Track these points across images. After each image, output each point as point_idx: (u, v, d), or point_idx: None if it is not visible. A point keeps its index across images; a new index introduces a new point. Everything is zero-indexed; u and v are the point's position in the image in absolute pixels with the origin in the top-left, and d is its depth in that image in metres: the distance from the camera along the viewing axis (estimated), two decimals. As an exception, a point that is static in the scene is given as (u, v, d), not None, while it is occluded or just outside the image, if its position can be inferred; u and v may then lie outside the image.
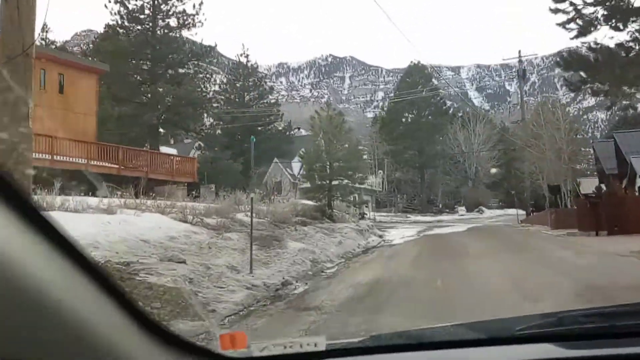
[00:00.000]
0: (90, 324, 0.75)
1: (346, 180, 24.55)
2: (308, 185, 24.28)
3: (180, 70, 34.48)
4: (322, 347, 1.18)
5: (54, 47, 46.96)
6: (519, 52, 38.49)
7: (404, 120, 56.62)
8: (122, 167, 23.55)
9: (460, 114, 64.66)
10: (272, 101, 57.76)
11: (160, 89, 32.79)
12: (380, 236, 23.48)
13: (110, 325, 0.81)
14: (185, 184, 25.86)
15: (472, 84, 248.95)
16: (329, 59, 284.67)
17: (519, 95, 38.95)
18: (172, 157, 26.31)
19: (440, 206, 56.89)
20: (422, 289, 8.86)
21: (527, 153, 32.83)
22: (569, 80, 19.28)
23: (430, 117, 56.21)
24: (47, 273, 0.68)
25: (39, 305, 0.66)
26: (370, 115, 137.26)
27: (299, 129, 63.59)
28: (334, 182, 24.26)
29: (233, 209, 16.60)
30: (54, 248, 0.70)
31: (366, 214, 41.49)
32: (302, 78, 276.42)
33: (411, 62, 56.59)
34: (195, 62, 35.76)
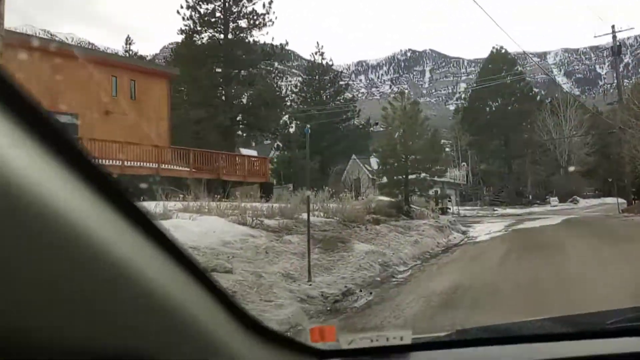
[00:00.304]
0: (193, 317, 0.76)
1: (424, 174, 22.79)
2: (385, 180, 22.68)
3: (253, 71, 33.86)
4: (408, 341, 1.17)
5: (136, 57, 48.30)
6: (612, 27, 34.83)
7: (487, 109, 53.47)
8: (194, 170, 23.08)
9: (548, 100, 60.49)
10: (349, 97, 56.34)
11: (233, 91, 32.31)
12: (464, 232, 21.51)
13: (212, 320, 0.82)
14: (259, 185, 25.10)
15: (560, 70, 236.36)
16: (408, 54, 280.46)
17: (615, 74, 35.20)
18: (244, 158, 25.61)
19: (530, 197, 53.19)
20: (510, 302, 7.16)
21: (627, 135, 29.44)
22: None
23: (515, 104, 52.59)
24: (153, 268, 0.68)
25: (146, 295, 0.67)
26: (452, 107, 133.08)
27: (377, 124, 61.72)
28: (411, 177, 22.57)
29: (299, 209, 15.39)
30: (156, 246, 0.69)
31: (449, 209, 39.25)
32: (382, 75, 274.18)
33: (493, 47, 53.42)
34: (268, 62, 35.09)
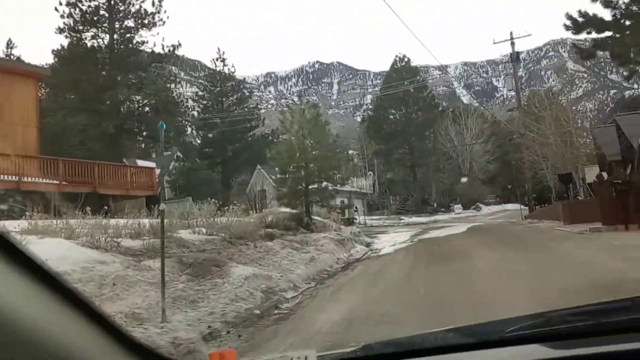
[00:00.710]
0: (68, 346, 0.74)
1: (325, 183, 21.08)
2: (285, 190, 20.74)
3: (142, 75, 30.91)
4: None
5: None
6: (511, 33, 35.22)
7: (392, 117, 53.20)
8: (65, 183, 20.01)
9: (450, 110, 61.53)
10: (252, 105, 54.23)
11: (121, 96, 29.25)
12: (368, 245, 20.02)
13: (93, 349, 0.79)
14: (144, 198, 22.37)
15: (460, 82, 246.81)
16: (316, 66, 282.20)
17: (514, 80, 35.57)
18: (127, 169, 22.73)
19: (435, 205, 53.43)
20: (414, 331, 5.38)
21: (528, 141, 29.46)
22: (580, 46, 15.91)
23: (419, 113, 52.70)
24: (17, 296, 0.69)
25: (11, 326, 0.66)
26: (359, 119, 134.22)
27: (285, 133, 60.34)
28: (312, 186, 20.80)
29: (176, 225, 13.08)
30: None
31: (356, 219, 38.02)
32: (290, 86, 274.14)
33: (396, 56, 53.31)
34: (159, 65, 32.25)
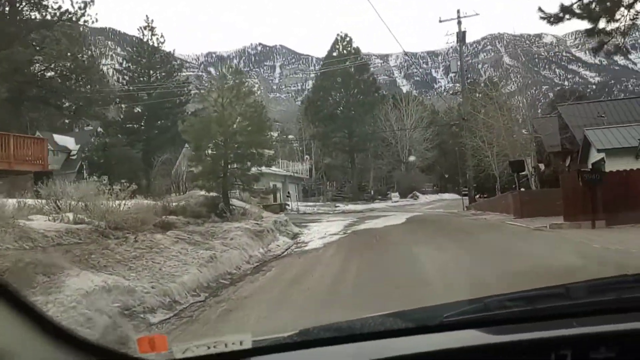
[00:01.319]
0: None
1: (249, 162, 17.96)
2: (199, 169, 17.47)
3: (46, 33, 26.53)
4: (248, 345, 1.13)
5: None
6: (458, 11, 33.03)
7: (331, 99, 50.29)
8: None
9: (392, 96, 59.50)
10: (183, 79, 50.05)
11: (15, 55, 24.84)
12: (295, 236, 17.12)
13: (16, 340, 0.80)
14: (32, 174, 18.54)
15: (400, 72, 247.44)
16: (259, 48, 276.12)
17: (458, 62, 33.42)
18: (10, 138, 18.70)
19: (373, 193, 51.21)
20: None
21: (472, 125, 27.33)
22: (547, 13, 13.43)
23: (360, 96, 50.00)
24: None
25: None
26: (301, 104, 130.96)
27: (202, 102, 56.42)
28: (233, 166, 17.66)
29: (26, 209, 9.70)
30: None
31: (288, 205, 35.13)
32: (232, 66, 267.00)
33: (338, 35, 50.31)
34: (69, 24, 27.89)
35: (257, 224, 14.25)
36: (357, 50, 50.10)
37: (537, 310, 1.24)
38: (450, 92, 47.84)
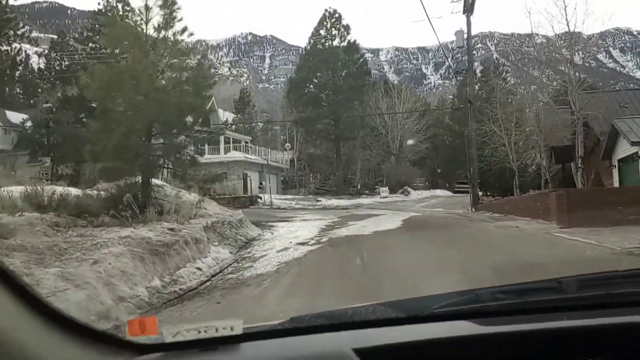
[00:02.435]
0: None
1: (183, 136, 12.33)
2: (104, 146, 11.72)
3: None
4: (238, 331, 1.10)
5: None
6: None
7: (316, 81, 44.51)
8: None
9: (384, 81, 53.99)
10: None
11: None
12: (245, 245, 11.62)
13: (11, 322, 0.82)
14: None
15: (391, 67, 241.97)
16: (249, 37, 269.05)
17: (465, 36, 27.88)
18: None
19: (359, 187, 45.66)
20: None
21: (487, 108, 21.91)
22: None
23: (349, 78, 44.26)
24: None
25: None
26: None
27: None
28: (160, 141, 12.05)
29: None
30: None
31: (260, 198, 29.60)
32: (221, 56, 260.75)
33: (326, 10, 44.46)
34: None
35: (172, 230, 8.57)
36: (347, 27, 44.38)
37: (527, 303, 1.23)
38: (453, 73, 41.92)
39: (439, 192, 49.68)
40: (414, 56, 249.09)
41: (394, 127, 48.29)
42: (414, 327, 1.19)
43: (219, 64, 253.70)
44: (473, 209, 21.82)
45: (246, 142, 42.01)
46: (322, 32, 43.89)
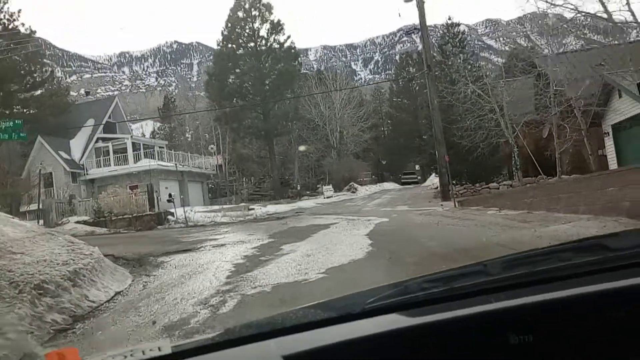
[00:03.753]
0: None
1: None
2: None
3: None
4: (167, 351, 1.05)
5: None
6: None
7: (238, 70, 37.54)
8: None
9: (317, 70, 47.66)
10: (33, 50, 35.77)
11: None
12: (69, 326, 4.86)
13: None
14: None
15: (321, 65, 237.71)
16: (174, 46, 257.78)
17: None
18: None
19: (299, 188, 39.08)
20: None
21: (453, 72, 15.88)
22: None
23: (276, 64, 37.52)
24: None
25: None
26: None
27: (88, 93, 42.22)
28: None
29: None
30: None
31: (172, 215, 22.53)
32: (147, 67, 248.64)
33: (242, -11, 37.25)
34: None
35: None
36: (269, 6, 37.48)
37: (454, 289, 1.20)
38: (404, 33, 35.91)
39: (387, 185, 43.91)
40: (342, 53, 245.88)
41: (332, 117, 42.08)
42: (345, 326, 1.13)
43: (145, 74, 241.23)
44: (456, 205, 15.67)
45: (160, 148, 34.65)
46: (240, 13, 36.94)
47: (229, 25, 36.49)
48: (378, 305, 1.19)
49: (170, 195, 21.41)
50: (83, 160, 32.80)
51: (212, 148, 37.41)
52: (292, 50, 37.32)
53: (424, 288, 1.26)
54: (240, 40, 36.20)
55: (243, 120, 36.18)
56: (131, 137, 32.66)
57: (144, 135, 78.78)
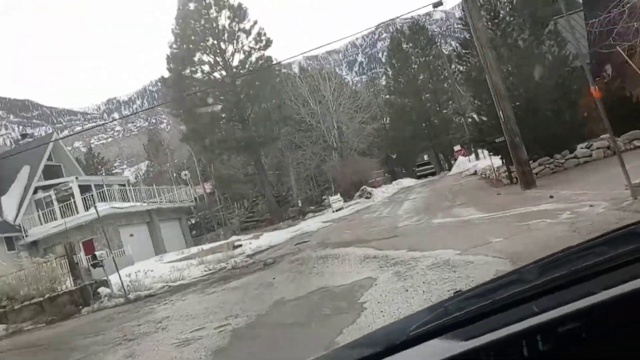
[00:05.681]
0: None
1: None
2: None
3: None
4: None
5: None
6: None
7: (200, 73, 29.34)
8: None
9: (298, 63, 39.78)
10: None
11: None
12: None
13: None
14: None
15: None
16: (159, 84, 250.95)
17: None
18: None
19: (300, 204, 30.77)
20: None
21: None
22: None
23: (246, 58, 29.37)
24: None
25: None
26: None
27: (25, 136, 34.64)
28: None
29: None
30: None
31: (106, 285, 14.25)
32: (136, 108, 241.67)
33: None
34: None
35: None
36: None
37: (494, 303, 1.11)
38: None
39: (404, 182, 35.47)
40: (325, 61, 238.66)
41: (325, 113, 33.86)
42: (391, 359, 1.04)
43: (135, 117, 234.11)
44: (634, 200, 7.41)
45: (121, 186, 26.53)
46: (192, 5, 28.79)
47: (180, 21, 28.50)
48: (420, 331, 1.09)
49: (94, 256, 13.13)
50: (19, 219, 24.65)
51: (185, 175, 29.38)
52: (262, 36, 28.98)
53: (461, 308, 1.14)
54: (195, 37, 28.11)
55: (213, 132, 27.85)
56: (76, 178, 24.60)
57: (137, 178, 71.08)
